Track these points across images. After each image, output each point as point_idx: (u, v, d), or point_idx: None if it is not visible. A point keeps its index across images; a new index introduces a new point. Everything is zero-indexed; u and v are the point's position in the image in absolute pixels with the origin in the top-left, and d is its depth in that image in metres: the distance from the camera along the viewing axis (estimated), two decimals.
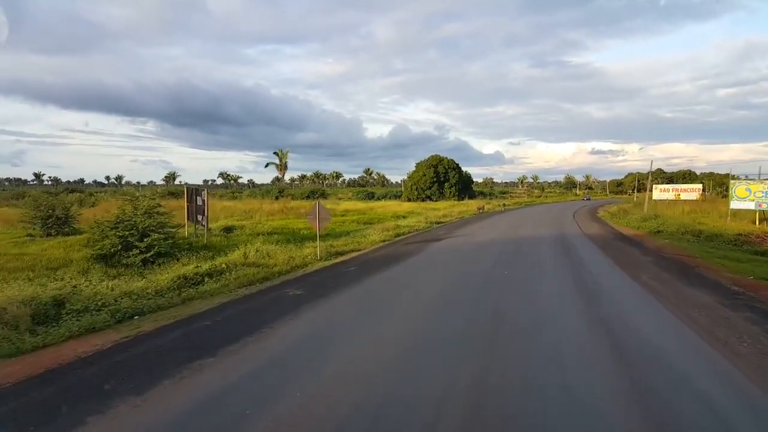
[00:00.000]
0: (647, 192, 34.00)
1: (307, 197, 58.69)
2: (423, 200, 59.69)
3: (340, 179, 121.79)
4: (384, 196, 69.07)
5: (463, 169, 66.11)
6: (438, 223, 24.76)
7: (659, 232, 18.89)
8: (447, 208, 39.18)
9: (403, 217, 28.08)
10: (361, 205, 40.98)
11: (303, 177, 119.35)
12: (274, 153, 69.08)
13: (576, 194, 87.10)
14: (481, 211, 34.51)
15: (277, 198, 52.44)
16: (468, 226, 21.82)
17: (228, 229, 17.94)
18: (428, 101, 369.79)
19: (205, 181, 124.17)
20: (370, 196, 69.08)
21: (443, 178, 63.61)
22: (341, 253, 12.30)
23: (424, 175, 63.84)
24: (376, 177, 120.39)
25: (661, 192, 35.63)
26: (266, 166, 70.43)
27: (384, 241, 14.64)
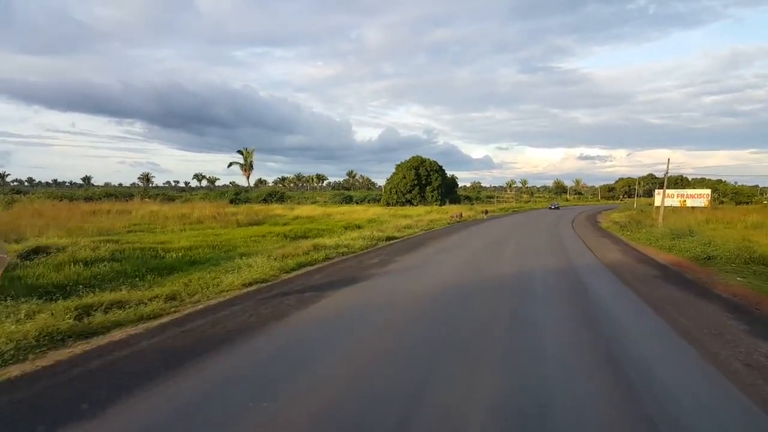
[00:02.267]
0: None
1: (264, 200, 52.51)
2: (403, 204, 56.43)
3: (325, 182, 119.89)
4: (363, 200, 65.27)
5: (450, 172, 63.39)
6: (390, 239, 17.67)
7: (708, 258, 12.74)
8: (420, 215, 34.16)
9: (357, 227, 22.85)
10: (324, 210, 36.44)
11: (284, 179, 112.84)
12: (238, 152, 60.75)
13: (550, 198, 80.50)
14: (457, 219, 29.82)
15: (232, 201, 45.25)
16: (430, 243, 16.16)
17: (33, 253, 10.63)
18: (417, 105, 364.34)
19: (186, 183, 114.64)
20: (348, 200, 65.45)
21: (425, 181, 59.33)
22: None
23: (404, 178, 59.30)
24: (360, 180, 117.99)
25: (665, 198, 29.52)
26: (229, 166, 62.35)
27: (226, 292, 8.32)
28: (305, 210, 34.20)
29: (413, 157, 61.22)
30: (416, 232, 22.36)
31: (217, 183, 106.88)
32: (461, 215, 31.53)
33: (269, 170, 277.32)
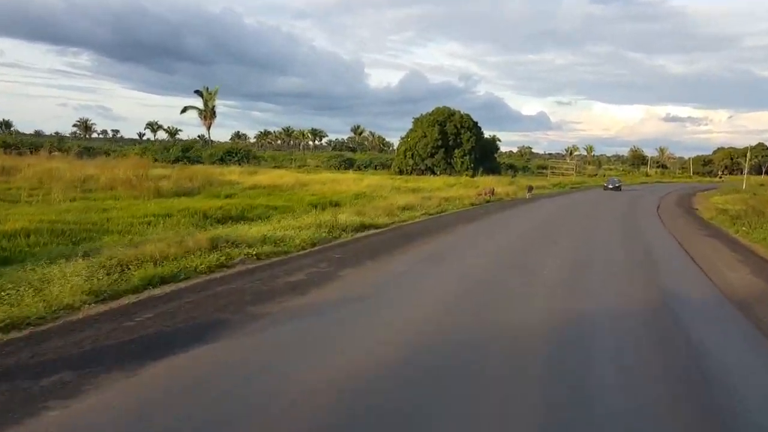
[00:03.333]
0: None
1: (220, 160, 50.46)
2: (422, 172, 55.98)
3: (324, 139, 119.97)
4: (369, 165, 66.15)
5: (489, 132, 65.99)
6: (363, 230, 14.71)
7: None
8: (436, 189, 31.87)
9: (334, 205, 21.02)
10: (300, 177, 35.76)
11: (266, 133, 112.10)
12: (196, 92, 56.84)
13: (606, 176, 75.70)
14: (487, 197, 27.85)
15: (178, 160, 42.66)
16: (416, 244, 13.60)
17: None
18: (453, 42, 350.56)
19: (141, 135, 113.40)
20: (349, 165, 65.88)
21: (453, 141, 57.82)
22: None
23: (424, 136, 57.81)
24: (370, 139, 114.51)
25: None
26: (183, 111, 58.65)
27: None
28: (270, 176, 32.72)
29: (438, 109, 59.27)
30: (415, 217, 19.59)
31: (182, 135, 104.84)
32: (493, 191, 29.26)
33: (254, 121, 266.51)
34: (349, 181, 33.62)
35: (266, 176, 32.90)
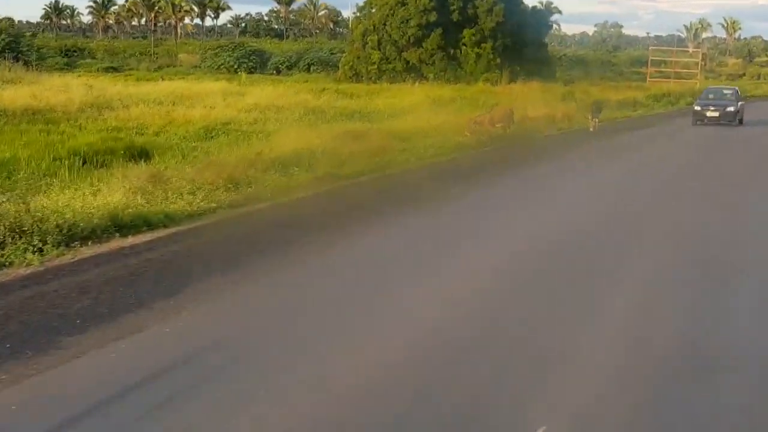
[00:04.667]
0: None
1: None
2: (396, 77, 58.46)
3: (223, 15, 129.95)
4: (294, 65, 70.37)
5: (543, 1, 71.51)
6: None
7: None
8: (393, 117, 33.59)
9: (142, 153, 22.83)
10: (134, 90, 39.93)
11: (105, 4, 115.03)
12: None
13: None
14: (496, 127, 28.81)
15: None
16: None
17: None
18: None
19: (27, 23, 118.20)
20: (258, 65, 70.29)
21: (460, 14, 59.91)
22: None
23: (403, 4, 59.45)
24: (311, 12, 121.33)
25: None
26: None
27: None
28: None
29: None
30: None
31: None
32: (511, 116, 29.38)
33: None
34: (212, 99, 35.28)
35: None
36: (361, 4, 63.84)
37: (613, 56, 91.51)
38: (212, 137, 25.44)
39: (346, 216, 15.32)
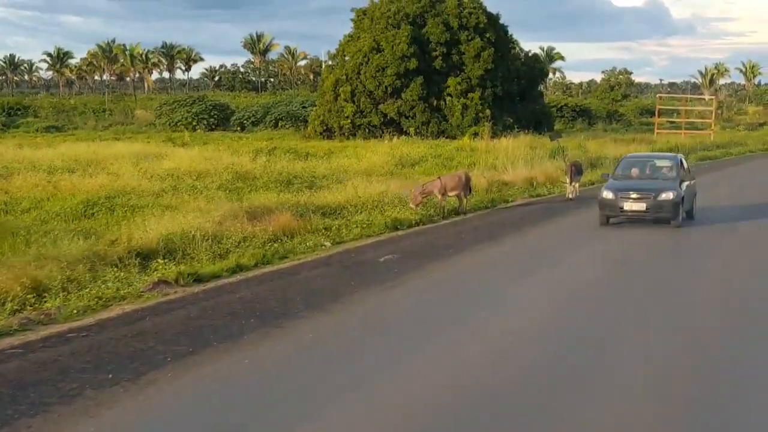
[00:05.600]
0: None
1: None
2: (371, 133, 58.66)
3: (195, 67, 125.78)
4: (261, 119, 70.18)
5: (535, 44, 68.38)
6: None
7: None
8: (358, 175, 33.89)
9: None
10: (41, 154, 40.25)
11: (62, 57, 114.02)
12: None
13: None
14: (451, 196, 27.96)
15: None
16: None
17: None
18: None
19: None
20: (220, 121, 71.17)
21: (443, 61, 59.05)
22: None
23: (378, 51, 58.53)
24: (288, 61, 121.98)
25: None
26: None
27: None
28: None
29: None
30: None
31: None
32: (466, 183, 26.95)
33: (70, 35, 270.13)
34: (122, 164, 33.84)
35: None
36: (333, 51, 63.03)
37: (620, 105, 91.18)
38: (92, 214, 23.44)
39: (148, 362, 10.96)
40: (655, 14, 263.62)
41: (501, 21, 62.24)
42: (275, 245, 19.73)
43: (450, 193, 24.96)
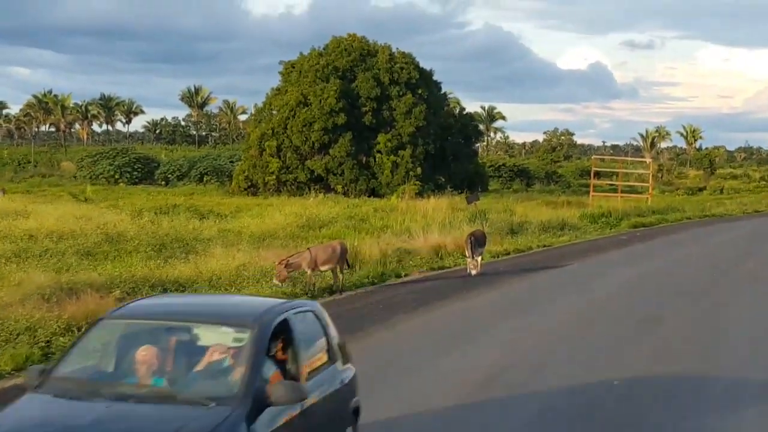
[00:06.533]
0: None
1: None
2: (298, 189, 58.76)
3: (137, 119, 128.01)
4: (187, 173, 70.60)
5: (478, 103, 68.24)
6: None
7: None
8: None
9: None
10: None
11: None
12: None
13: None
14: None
15: None
16: None
17: None
18: None
19: None
20: (146, 175, 71.97)
21: (374, 116, 59.87)
22: None
23: (306, 104, 59.06)
24: (227, 115, 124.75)
25: None
26: None
27: None
28: None
29: (338, 41, 63.12)
30: None
31: None
32: (342, 258, 24.40)
33: (17, 86, 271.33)
34: None
35: None
36: (260, 104, 63.06)
37: (559, 166, 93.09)
38: None
39: None
40: (598, 78, 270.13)
41: (434, 78, 63.56)
42: (62, 339, 15.21)
43: (322, 267, 22.12)
